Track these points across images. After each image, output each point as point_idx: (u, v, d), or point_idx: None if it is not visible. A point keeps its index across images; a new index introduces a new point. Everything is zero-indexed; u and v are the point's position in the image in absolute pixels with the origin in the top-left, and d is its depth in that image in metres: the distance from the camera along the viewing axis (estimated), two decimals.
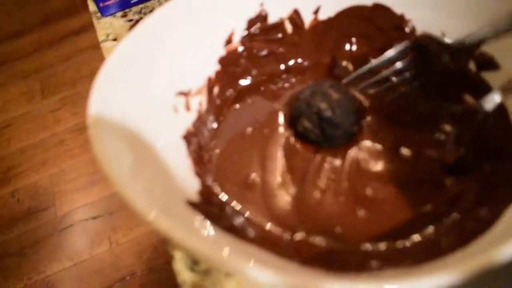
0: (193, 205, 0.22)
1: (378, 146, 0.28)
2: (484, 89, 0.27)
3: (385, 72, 0.30)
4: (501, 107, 0.24)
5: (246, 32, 0.30)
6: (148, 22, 0.25)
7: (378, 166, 0.27)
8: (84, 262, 0.89)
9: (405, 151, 0.27)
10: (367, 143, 0.28)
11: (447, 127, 0.27)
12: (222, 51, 0.30)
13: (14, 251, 0.92)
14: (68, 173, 1.03)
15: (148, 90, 0.25)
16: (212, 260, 0.15)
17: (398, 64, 0.30)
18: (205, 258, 0.15)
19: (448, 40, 0.28)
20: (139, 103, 0.24)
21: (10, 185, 1.03)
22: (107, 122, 0.20)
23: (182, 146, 0.26)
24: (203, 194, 0.24)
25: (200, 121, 0.28)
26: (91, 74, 1.24)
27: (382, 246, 0.22)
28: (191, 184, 0.24)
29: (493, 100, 0.25)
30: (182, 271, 0.24)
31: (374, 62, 0.30)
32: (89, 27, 1.33)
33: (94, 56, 1.26)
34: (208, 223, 0.21)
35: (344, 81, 0.31)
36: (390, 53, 0.30)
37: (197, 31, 0.28)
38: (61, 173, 1.03)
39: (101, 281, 0.86)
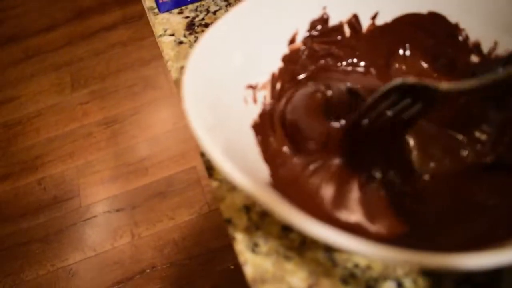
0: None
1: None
2: None
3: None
4: None
5: (308, 33, 0.32)
6: (223, 22, 0.27)
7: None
8: (106, 253, 0.91)
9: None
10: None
11: (489, 129, 0.29)
12: (285, 50, 0.32)
13: (39, 237, 0.94)
14: (94, 165, 1.05)
15: (224, 81, 0.27)
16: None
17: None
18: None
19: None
20: (218, 91, 0.26)
21: (37, 173, 1.05)
22: (197, 102, 0.23)
23: (251, 134, 0.28)
24: (273, 177, 0.26)
25: (264, 113, 0.30)
26: (120, 70, 1.27)
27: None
28: (262, 168, 0.26)
29: None
30: (244, 251, 0.26)
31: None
32: (119, 24, 1.36)
33: (124, 53, 1.29)
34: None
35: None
36: None
37: (265, 31, 0.30)
38: (87, 165, 1.06)
39: (122, 272, 0.88)
